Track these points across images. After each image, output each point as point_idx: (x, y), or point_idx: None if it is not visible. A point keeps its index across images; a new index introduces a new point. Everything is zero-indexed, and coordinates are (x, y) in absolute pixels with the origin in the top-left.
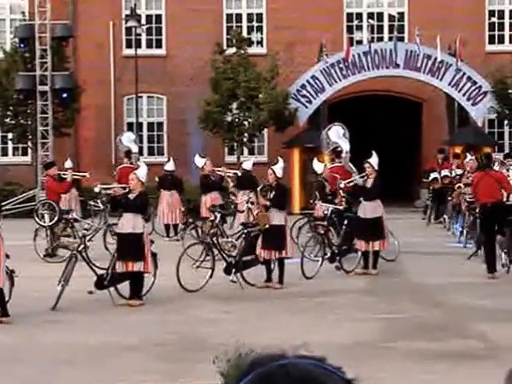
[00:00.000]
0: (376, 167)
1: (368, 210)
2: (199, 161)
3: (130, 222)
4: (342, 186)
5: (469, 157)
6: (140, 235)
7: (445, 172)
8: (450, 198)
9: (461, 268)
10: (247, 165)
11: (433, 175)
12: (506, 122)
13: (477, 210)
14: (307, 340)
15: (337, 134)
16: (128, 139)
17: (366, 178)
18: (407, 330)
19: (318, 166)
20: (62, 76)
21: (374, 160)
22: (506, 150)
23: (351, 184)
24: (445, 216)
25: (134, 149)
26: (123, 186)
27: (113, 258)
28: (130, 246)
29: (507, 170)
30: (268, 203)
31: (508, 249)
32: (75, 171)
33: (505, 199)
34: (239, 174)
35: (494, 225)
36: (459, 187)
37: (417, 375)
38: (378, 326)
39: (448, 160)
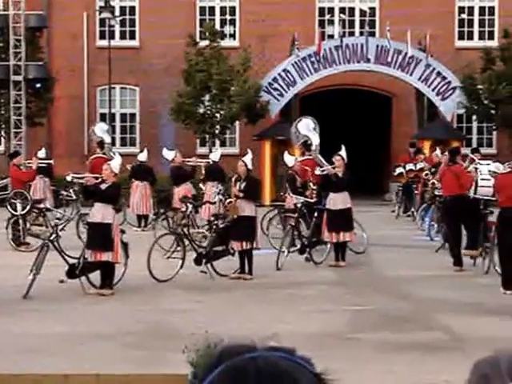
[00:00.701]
0: (346, 160)
1: (337, 201)
2: (168, 153)
3: (100, 212)
4: (318, 172)
5: (438, 151)
6: (109, 225)
7: (409, 166)
8: (416, 192)
9: (428, 261)
10: (215, 156)
11: (398, 170)
12: (474, 117)
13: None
14: (277, 330)
15: (306, 127)
16: (101, 130)
17: (336, 169)
18: (374, 321)
19: (288, 159)
20: (35, 66)
21: (343, 153)
22: (474, 145)
23: (323, 173)
24: (413, 209)
25: (107, 139)
26: (95, 175)
27: (84, 248)
28: (100, 236)
29: (475, 167)
30: (240, 194)
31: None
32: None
33: (471, 193)
34: (211, 162)
35: (456, 218)
36: (433, 183)
37: (383, 366)
38: (346, 317)
39: (420, 153)
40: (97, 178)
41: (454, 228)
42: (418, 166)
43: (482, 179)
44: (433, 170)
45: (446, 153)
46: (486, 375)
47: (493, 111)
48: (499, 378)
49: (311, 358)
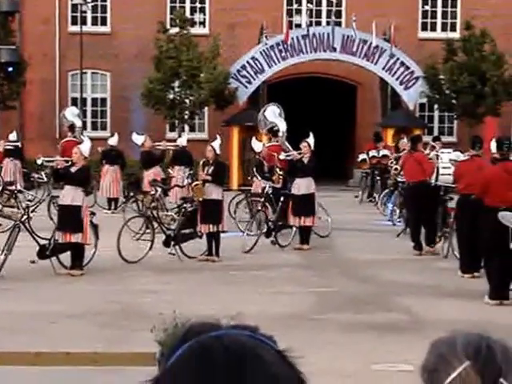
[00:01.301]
0: (312, 147)
1: (301, 186)
2: (137, 138)
3: (70, 195)
4: (282, 157)
5: (405, 139)
6: (79, 208)
7: (373, 153)
8: (378, 178)
9: (390, 245)
10: (182, 141)
11: (361, 156)
12: (435, 106)
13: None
14: (242, 311)
15: (273, 114)
16: (72, 114)
17: (302, 155)
18: (338, 302)
19: (256, 145)
20: (7, 50)
21: (310, 140)
22: (435, 133)
23: (288, 158)
24: (375, 195)
25: (78, 123)
26: (66, 159)
27: (55, 229)
28: (69, 218)
29: (437, 155)
30: (209, 178)
31: (439, 226)
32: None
33: (433, 180)
34: (180, 144)
35: (418, 204)
36: (396, 169)
37: (345, 346)
38: (310, 299)
39: (381, 141)
40: (67, 161)
41: (415, 214)
42: (381, 153)
43: (444, 167)
44: (395, 156)
45: (404, 139)
46: (442, 355)
47: (454, 101)
48: (456, 358)
49: (273, 336)
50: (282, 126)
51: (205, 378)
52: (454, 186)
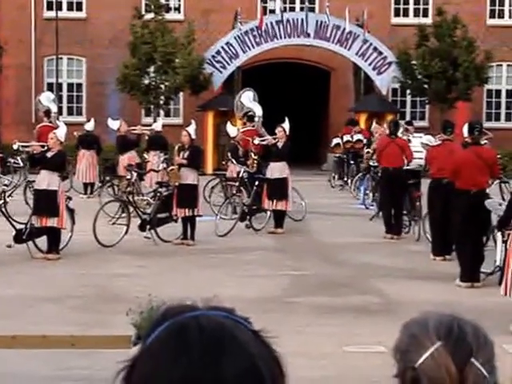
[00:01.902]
0: (287, 132)
1: (275, 170)
2: (113, 123)
3: (45, 179)
4: (256, 142)
5: (374, 124)
6: (55, 192)
7: (346, 137)
8: (352, 162)
9: (363, 228)
10: (157, 126)
11: (335, 141)
12: (408, 91)
13: (379, 174)
14: (217, 294)
15: (249, 99)
16: (47, 99)
17: (277, 140)
18: (311, 286)
19: (231, 130)
20: None
21: (286, 125)
22: (408, 118)
23: (263, 143)
24: (345, 178)
25: (54, 108)
26: (42, 144)
27: (31, 214)
28: (45, 202)
29: (408, 138)
30: (184, 162)
31: (408, 210)
32: None
33: (405, 166)
34: (155, 129)
35: (393, 188)
36: (368, 152)
37: (319, 328)
38: (285, 282)
39: (355, 126)
40: (43, 146)
41: (390, 198)
42: (355, 138)
43: (415, 151)
44: (365, 141)
45: (374, 124)
46: (414, 335)
47: (426, 86)
48: (427, 338)
49: (249, 317)
50: (258, 110)
51: (182, 358)
52: (420, 170)
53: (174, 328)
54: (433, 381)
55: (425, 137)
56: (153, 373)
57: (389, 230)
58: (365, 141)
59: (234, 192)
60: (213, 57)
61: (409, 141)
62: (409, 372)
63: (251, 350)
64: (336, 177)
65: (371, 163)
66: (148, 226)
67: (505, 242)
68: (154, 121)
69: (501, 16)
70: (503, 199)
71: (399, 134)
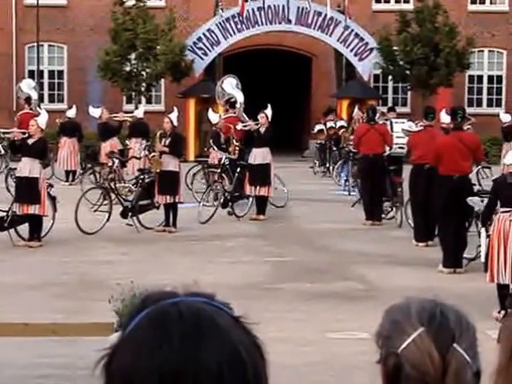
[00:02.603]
0: (270, 118)
1: (257, 156)
2: (94, 111)
3: (27, 167)
4: (239, 127)
5: (356, 110)
6: (36, 179)
7: (330, 123)
8: (334, 148)
9: (345, 215)
10: (139, 113)
11: (318, 127)
12: (389, 77)
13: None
14: (199, 280)
15: (231, 85)
16: (28, 86)
17: (259, 125)
18: (293, 272)
19: (212, 116)
20: None
21: (268, 111)
22: (390, 104)
23: (246, 128)
24: (328, 165)
25: (34, 95)
26: (23, 131)
27: (13, 201)
28: (27, 190)
29: (387, 121)
30: (166, 149)
31: (388, 195)
32: None
33: (387, 151)
34: (137, 116)
35: (374, 175)
36: (344, 131)
37: (301, 314)
38: (267, 268)
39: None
40: (24, 134)
41: (371, 185)
42: (339, 124)
43: (397, 137)
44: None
45: (356, 110)
46: (397, 321)
47: (407, 72)
48: (410, 324)
49: (230, 303)
50: (240, 97)
51: (162, 346)
52: (402, 156)
53: (153, 316)
54: (415, 366)
55: (406, 123)
56: (133, 361)
57: (369, 216)
58: (350, 129)
59: (216, 179)
60: (194, 43)
61: (389, 123)
62: (391, 358)
63: (232, 337)
64: (318, 163)
65: (351, 148)
66: (130, 213)
67: (489, 236)
68: (136, 108)
69: (482, 2)
70: (480, 185)
71: (376, 117)
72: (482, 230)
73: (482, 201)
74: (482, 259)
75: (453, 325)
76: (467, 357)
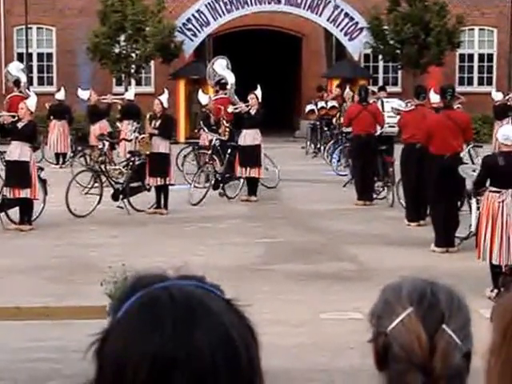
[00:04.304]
0: (260, 99)
1: (247, 137)
2: (83, 93)
3: (17, 150)
4: (230, 110)
5: (347, 90)
6: (27, 163)
7: (321, 104)
8: (325, 129)
9: (337, 195)
10: (129, 95)
11: (309, 107)
12: (380, 56)
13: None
14: (190, 262)
15: (221, 67)
16: (16, 69)
17: (249, 107)
18: (285, 253)
19: (202, 98)
20: None
21: (258, 92)
22: (380, 83)
23: (237, 111)
24: (319, 145)
25: (23, 78)
26: (12, 114)
27: (3, 185)
28: (17, 174)
29: (378, 100)
30: (155, 131)
31: (380, 175)
32: None
33: (378, 131)
34: (127, 98)
35: (365, 155)
36: (339, 118)
37: (295, 295)
38: (258, 250)
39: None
40: (13, 117)
41: (363, 164)
42: (330, 105)
43: (388, 116)
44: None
45: (347, 90)
46: (388, 301)
47: (398, 51)
48: (399, 304)
49: (220, 286)
50: (231, 78)
51: (154, 331)
52: (393, 135)
53: (144, 300)
54: (403, 347)
55: (396, 102)
56: (125, 347)
57: (360, 196)
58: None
59: (207, 160)
60: (183, 25)
61: (380, 102)
62: (381, 337)
63: (224, 320)
64: (309, 144)
65: (343, 129)
66: (121, 196)
67: (479, 208)
68: (126, 90)
69: None
70: (473, 163)
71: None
72: (473, 202)
73: (474, 170)
74: (473, 229)
75: (443, 305)
76: (456, 338)
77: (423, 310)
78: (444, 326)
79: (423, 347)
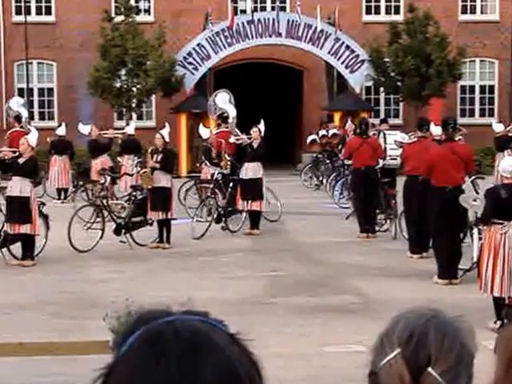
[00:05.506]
0: (262, 133)
1: (249, 170)
2: (84, 128)
3: (17, 186)
4: (232, 140)
5: (349, 122)
6: (27, 199)
7: (322, 132)
8: (327, 161)
9: (339, 228)
10: (130, 129)
11: (310, 137)
12: (381, 89)
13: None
14: (194, 297)
15: (223, 100)
16: (17, 104)
17: (251, 140)
18: (288, 286)
19: (203, 131)
20: None
21: (261, 126)
22: (382, 116)
23: (238, 142)
24: (321, 178)
25: (24, 113)
26: (13, 149)
27: (4, 221)
28: (18, 209)
29: (379, 133)
30: (157, 165)
31: (382, 207)
32: None
33: (380, 164)
34: (128, 133)
35: (367, 188)
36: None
37: (298, 328)
38: (262, 283)
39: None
40: (14, 152)
41: (363, 197)
42: (331, 132)
43: (390, 149)
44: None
45: (349, 122)
46: (381, 338)
47: (399, 83)
48: (389, 343)
49: (224, 321)
50: (232, 112)
51: (158, 366)
52: (396, 168)
53: (148, 335)
54: None
55: (399, 134)
56: (129, 381)
57: (363, 229)
58: (339, 132)
59: (209, 194)
60: (184, 58)
61: (382, 135)
62: (372, 376)
63: (228, 354)
64: (311, 177)
65: (345, 161)
66: (123, 230)
67: (481, 238)
68: (127, 124)
69: (473, 11)
70: (477, 194)
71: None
72: (475, 232)
73: (475, 199)
74: (475, 259)
75: (432, 346)
76: (442, 381)
77: (409, 351)
78: (429, 369)
79: None
